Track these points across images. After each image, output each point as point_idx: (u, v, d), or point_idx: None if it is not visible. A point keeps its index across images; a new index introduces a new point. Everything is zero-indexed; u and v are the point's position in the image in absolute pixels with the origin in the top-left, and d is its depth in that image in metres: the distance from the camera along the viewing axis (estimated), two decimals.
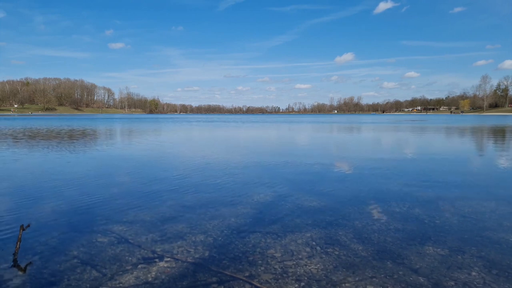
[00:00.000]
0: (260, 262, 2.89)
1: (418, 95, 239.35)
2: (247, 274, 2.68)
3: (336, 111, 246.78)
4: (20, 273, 2.70)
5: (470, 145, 13.79)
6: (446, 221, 3.92)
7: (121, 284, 2.52)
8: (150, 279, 2.60)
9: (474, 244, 3.25)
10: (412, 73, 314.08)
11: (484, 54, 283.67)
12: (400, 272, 2.70)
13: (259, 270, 2.75)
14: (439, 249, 3.12)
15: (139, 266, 2.82)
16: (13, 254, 2.97)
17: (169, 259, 2.95)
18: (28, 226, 3.27)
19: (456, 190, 5.47)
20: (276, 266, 2.81)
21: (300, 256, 3.00)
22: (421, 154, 10.48)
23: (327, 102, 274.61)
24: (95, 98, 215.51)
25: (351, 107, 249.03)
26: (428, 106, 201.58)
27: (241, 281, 2.57)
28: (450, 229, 3.65)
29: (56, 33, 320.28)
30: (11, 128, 25.77)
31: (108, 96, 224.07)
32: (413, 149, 11.91)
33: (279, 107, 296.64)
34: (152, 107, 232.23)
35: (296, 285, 2.52)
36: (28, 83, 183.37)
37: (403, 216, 4.11)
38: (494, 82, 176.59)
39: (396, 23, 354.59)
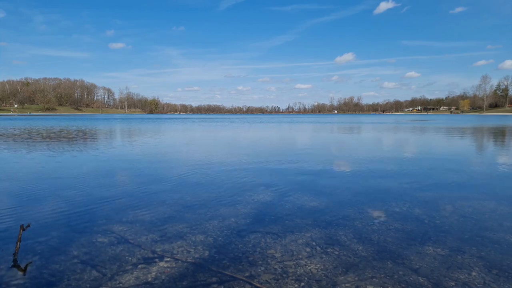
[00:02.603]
0: (260, 262, 2.89)
1: (418, 95, 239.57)
2: (247, 274, 2.68)
3: (336, 111, 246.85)
4: (20, 273, 2.70)
5: (470, 145, 13.79)
6: (446, 221, 3.92)
7: (121, 284, 2.52)
8: (150, 279, 2.60)
9: (474, 244, 3.25)
10: (412, 73, 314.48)
11: (485, 54, 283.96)
12: (400, 272, 2.70)
13: (259, 270, 2.75)
14: (439, 249, 3.12)
15: (139, 266, 2.81)
16: (13, 254, 2.96)
17: (169, 259, 2.95)
18: (28, 226, 3.27)
19: (456, 190, 5.47)
20: (276, 266, 2.81)
21: (300, 256, 3.00)
22: (421, 154, 10.47)
23: (327, 102, 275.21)
24: (95, 98, 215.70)
25: (351, 107, 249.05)
26: (428, 106, 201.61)
27: (241, 281, 2.57)
28: (450, 229, 3.65)
29: (56, 33, 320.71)
30: (6, 128, 25.77)
31: (108, 96, 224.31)
32: (413, 149, 11.91)
33: (279, 107, 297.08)
34: (152, 107, 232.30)
35: (296, 285, 2.51)
36: (28, 83, 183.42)
37: (403, 216, 4.11)
38: (494, 82, 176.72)
39: (397, 23, 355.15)
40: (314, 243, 3.29)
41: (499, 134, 20.50)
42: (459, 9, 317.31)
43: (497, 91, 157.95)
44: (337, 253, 3.06)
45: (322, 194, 5.23)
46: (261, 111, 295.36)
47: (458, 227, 3.72)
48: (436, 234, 3.50)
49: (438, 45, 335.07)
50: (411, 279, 2.60)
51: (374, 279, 2.59)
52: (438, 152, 11.18)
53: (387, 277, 2.63)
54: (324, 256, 3.00)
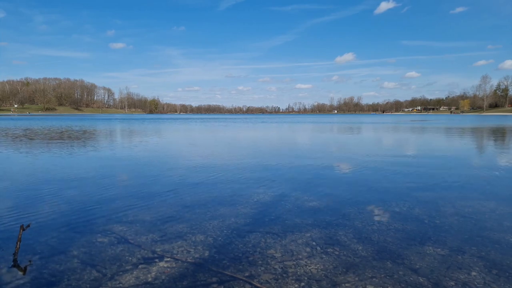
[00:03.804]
0: (260, 262, 2.89)
1: (418, 95, 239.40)
2: (247, 274, 2.68)
3: (336, 111, 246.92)
4: (20, 273, 2.71)
5: (470, 145, 13.78)
6: (446, 221, 3.92)
7: (121, 284, 2.52)
8: (150, 279, 2.60)
9: (474, 244, 3.25)
10: (412, 73, 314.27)
11: (485, 54, 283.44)
12: (400, 272, 2.70)
13: (259, 270, 2.75)
14: (439, 249, 3.12)
15: (139, 266, 2.82)
16: (13, 254, 2.97)
17: (169, 259, 2.95)
18: (28, 226, 3.27)
19: (456, 190, 5.47)
20: (276, 266, 2.81)
21: (300, 256, 3.00)
22: (421, 154, 10.47)
23: (327, 102, 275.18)
24: (95, 98, 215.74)
25: (351, 107, 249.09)
26: (428, 106, 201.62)
27: (241, 281, 2.57)
28: (450, 229, 3.65)
29: (56, 33, 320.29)
30: (8, 128, 25.77)
31: (108, 96, 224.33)
32: (413, 149, 11.91)
33: (279, 107, 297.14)
34: (152, 107, 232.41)
35: (296, 285, 2.51)
36: (28, 83, 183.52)
37: (403, 216, 4.11)
38: (494, 82, 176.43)
39: (397, 23, 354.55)
40: (314, 243, 3.29)
41: (499, 134, 20.50)
42: (459, 9, 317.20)
43: (497, 91, 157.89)
44: (337, 253, 3.06)
45: (322, 194, 5.23)
46: (261, 111, 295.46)
47: (458, 227, 3.72)
48: (436, 234, 3.50)
49: (438, 45, 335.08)
50: (411, 279, 2.60)
51: (374, 279, 2.59)
52: (438, 152, 11.18)
53: (387, 277, 2.63)
54: (324, 256, 3.00)
